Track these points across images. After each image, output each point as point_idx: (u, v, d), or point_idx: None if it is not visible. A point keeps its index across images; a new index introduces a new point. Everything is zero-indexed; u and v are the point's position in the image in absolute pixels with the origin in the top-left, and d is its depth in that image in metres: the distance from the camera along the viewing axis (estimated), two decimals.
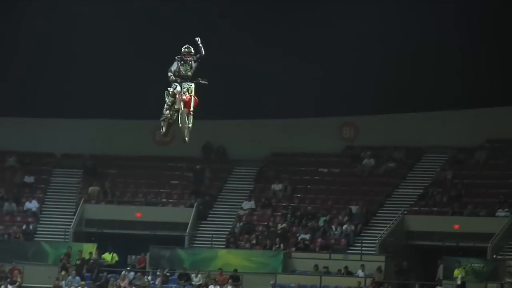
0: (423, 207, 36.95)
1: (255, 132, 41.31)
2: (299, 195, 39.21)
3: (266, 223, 37.70)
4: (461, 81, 37.94)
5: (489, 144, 39.03)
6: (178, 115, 14.79)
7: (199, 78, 14.73)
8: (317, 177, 40.21)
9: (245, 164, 41.58)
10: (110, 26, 39.08)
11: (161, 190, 40.46)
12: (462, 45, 36.90)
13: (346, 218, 36.53)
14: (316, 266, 34.07)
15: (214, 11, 38.77)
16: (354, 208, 36.84)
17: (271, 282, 33.85)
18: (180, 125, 14.79)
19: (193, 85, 14.71)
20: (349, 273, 33.53)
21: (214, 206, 39.61)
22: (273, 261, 35.71)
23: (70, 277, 35.31)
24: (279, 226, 37.05)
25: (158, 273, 35.74)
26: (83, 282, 34.87)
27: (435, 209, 36.48)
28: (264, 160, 41.45)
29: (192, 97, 14.75)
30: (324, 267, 33.87)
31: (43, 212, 40.42)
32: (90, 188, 40.49)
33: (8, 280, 35.41)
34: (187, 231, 38.17)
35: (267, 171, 40.94)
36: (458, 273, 32.43)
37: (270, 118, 40.80)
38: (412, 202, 37.05)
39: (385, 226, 35.99)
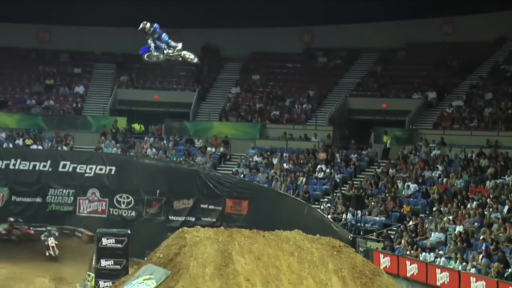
0: (360, 92, 41.88)
1: (240, 37, 45.64)
2: (271, 83, 44.24)
3: (248, 103, 42.50)
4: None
5: (408, 46, 43.62)
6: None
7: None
8: (284, 70, 45.59)
9: (233, 60, 46.32)
10: None
11: (172, 79, 44.85)
12: None
13: (305, 100, 41.43)
14: (284, 133, 38.97)
15: None
16: (311, 92, 41.83)
17: (251, 145, 38.80)
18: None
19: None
20: (307, 139, 38.52)
21: (211, 90, 44.71)
22: (253, 130, 40.46)
23: (107, 141, 39.44)
24: (257, 106, 41.98)
25: (170, 138, 40.02)
26: (118, 145, 39.22)
27: (369, 93, 41.59)
28: (247, 58, 46.00)
29: None
30: (289, 135, 38.83)
31: (87, 94, 44.58)
32: (121, 77, 44.89)
33: (63, 142, 39.55)
34: (191, 108, 42.90)
35: (249, 65, 45.53)
36: (385, 139, 37.02)
37: (252, 27, 44.92)
38: (353, 88, 42.39)
39: (333, 105, 41.13)
